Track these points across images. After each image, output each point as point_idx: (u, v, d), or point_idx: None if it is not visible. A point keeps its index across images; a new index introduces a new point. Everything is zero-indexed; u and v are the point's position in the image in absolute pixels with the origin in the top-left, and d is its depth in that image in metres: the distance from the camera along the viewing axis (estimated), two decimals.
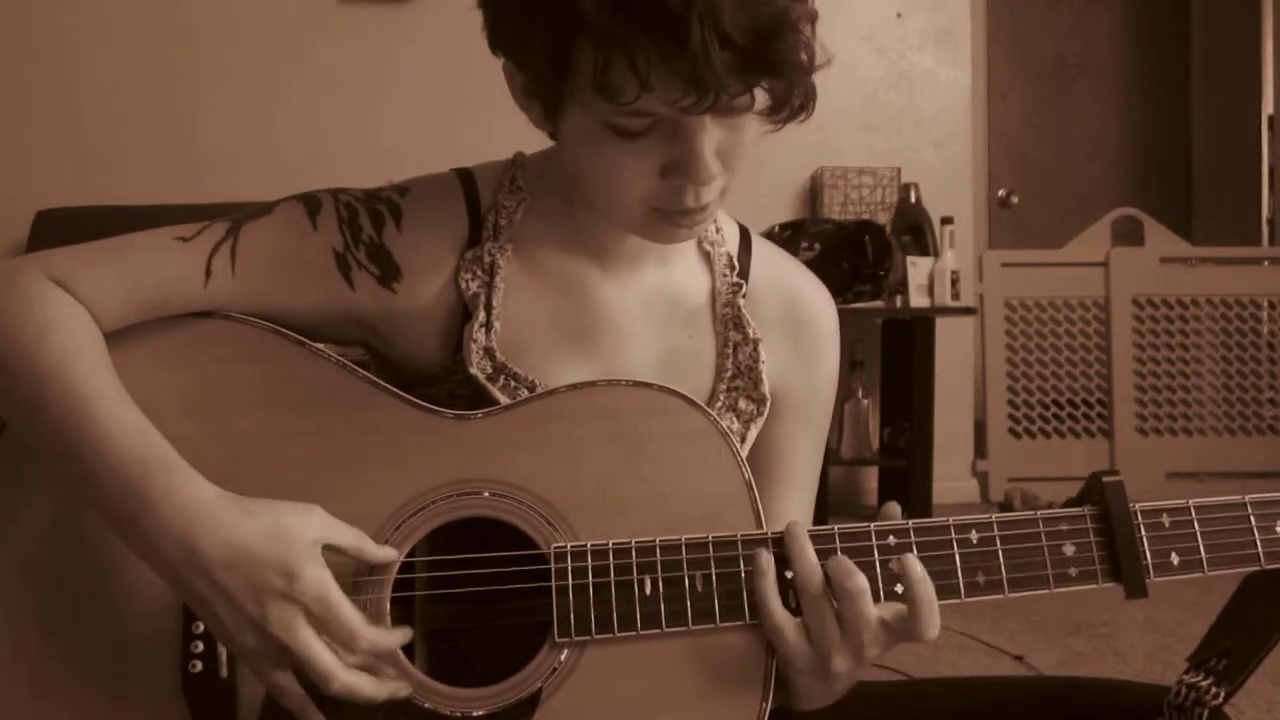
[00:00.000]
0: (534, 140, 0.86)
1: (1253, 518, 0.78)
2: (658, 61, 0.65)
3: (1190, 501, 0.78)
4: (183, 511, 0.70)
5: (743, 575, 0.76)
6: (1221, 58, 4.56)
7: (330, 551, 0.72)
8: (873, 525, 0.77)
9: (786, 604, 0.75)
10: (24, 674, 0.77)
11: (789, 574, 0.75)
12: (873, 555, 0.76)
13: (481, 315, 0.84)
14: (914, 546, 0.76)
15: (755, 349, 0.89)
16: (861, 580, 0.72)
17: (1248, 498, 0.79)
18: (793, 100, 0.72)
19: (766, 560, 0.75)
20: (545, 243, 0.87)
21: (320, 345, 0.83)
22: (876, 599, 0.74)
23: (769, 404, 0.90)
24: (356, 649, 0.71)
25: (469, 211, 0.86)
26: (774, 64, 0.67)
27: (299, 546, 0.70)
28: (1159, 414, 3.89)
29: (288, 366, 0.82)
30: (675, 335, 0.89)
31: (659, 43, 0.65)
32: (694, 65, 0.65)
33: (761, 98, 0.71)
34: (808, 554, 0.74)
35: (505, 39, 0.75)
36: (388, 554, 0.76)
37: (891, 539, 0.76)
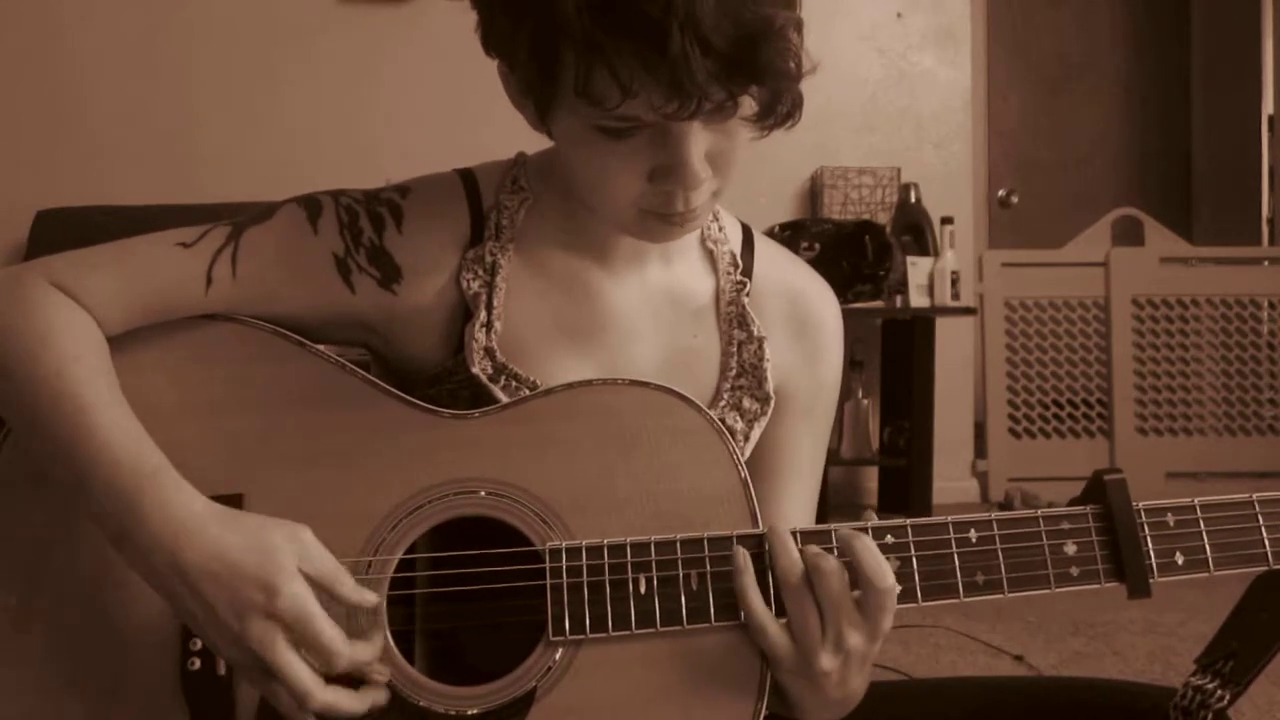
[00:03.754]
0: (534, 140, 0.86)
1: (1260, 516, 0.77)
2: (638, 68, 0.65)
3: (1196, 500, 0.77)
4: (171, 524, 0.70)
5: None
6: (1221, 58, 4.56)
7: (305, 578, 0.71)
8: (870, 524, 0.76)
9: (771, 606, 0.74)
10: (26, 671, 0.77)
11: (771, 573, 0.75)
12: None
13: (482, 315, 0.84)
14: (912, 545, 0.76)
15: (760, 347, 0.89)
16: (834, 561, 0.72)
17: (1255, 496, 0.78)
18: (779, 107, 0.72)
19: (744, 557, 0.74)
20: (547, 242, 0.87)
21: (321, 347, 0.83)
22: None
23: (773, 403, 0.89)
24: (336, 667, 0.70)
25: (470, 211, 0.86)
26: (757, 71, 0.67)
27: (282, 562, 0.69)
28: (1159, 414, 3.89)
29: (288, 368, 0.82)
30: (679, 334, 0.89)
31: (639, 50, 0.64)
32: (674, 72, 0.64)
33: (748, 104, 0.70)
34: (789, 549, 0.74)
35: (496, 42, 0.74)
36: (364, 597, 0.73)
37: (889, 538, 0.76)
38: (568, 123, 0.73)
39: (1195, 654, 0.81)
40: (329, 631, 0.69)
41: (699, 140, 0.72)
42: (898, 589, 0.73)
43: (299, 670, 0.68)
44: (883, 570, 0.71)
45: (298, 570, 0.70)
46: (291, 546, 0.71)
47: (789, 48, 0.68)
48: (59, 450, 0.73)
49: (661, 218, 0.77)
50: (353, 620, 0.74)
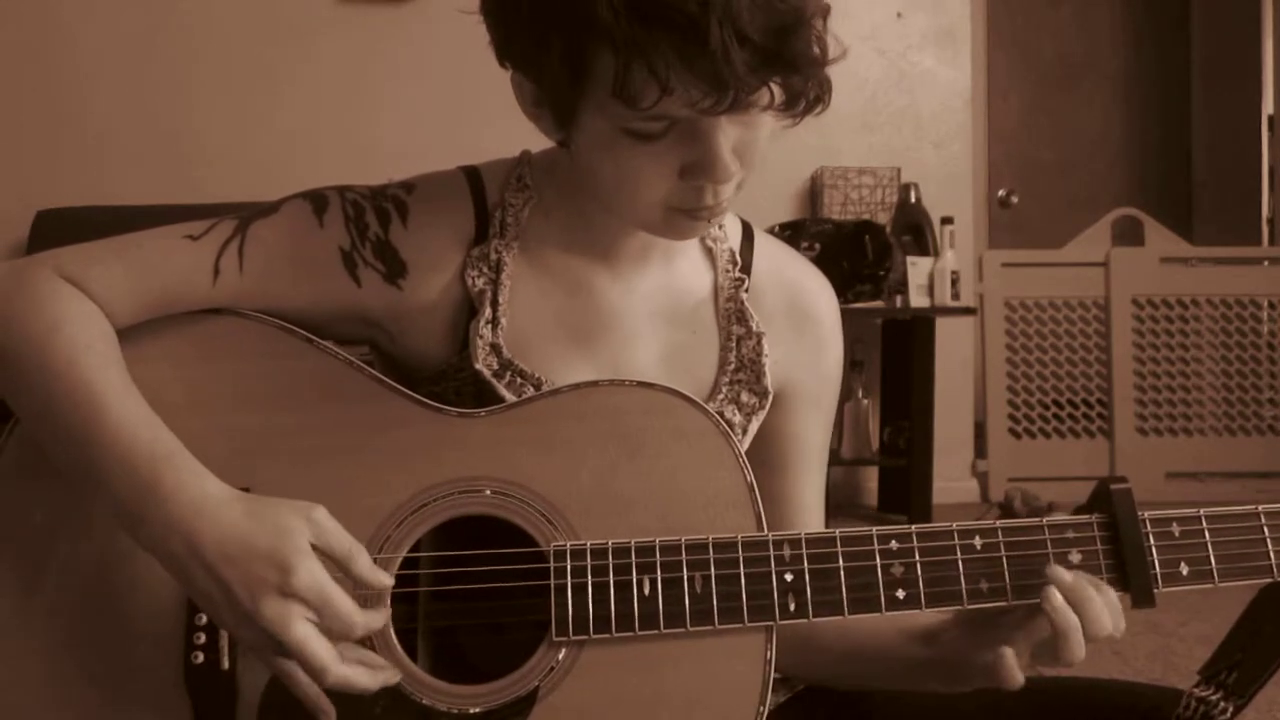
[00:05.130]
0: (534, 139, 0.86)
1: (1266, 528, 0.77)
2: (678, 64, 0.66)
3: (1201, 511, 0.77)
4: (189, 507, 0.71)
5: (742, 577, 0.76)
6: (1221, 58, 4.56)
7: (319, 555, 0.71)
8: (874, 530, 0.76)
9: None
10: (32, 665, 0.77)
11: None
12: (874, 559, 0.76)
13: (488, 312, 0.84)
14: (917, 551, 0.76)
15: (758, 342, 0.90)
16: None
17: (1261, 507, 0.78)
18: (808, 94, 0.73)
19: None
20: (551, 241, 0.88)
21: (328, 343, 0.83)
22: (876, 606, 0.75)
23: (771, 397, 0.90)
24: (354, 636, 0.71)
25: (475, 209, 0.87)
26: (791, 60, 0.68)
27: (296, 542, 0.70)
28: (1159, 414, 3.89)
29: (295, 364, 0.82)
30: (678, 332, 0.90)
31: (679, 46, 0.65)
32: (714, 66, 0.65)
33: (777, 94, 0.71)
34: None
35: (516, 52, 0.75)
36: (379, 578, 0.74)
37: (893, 543, 0.76)
38: (595, 127, 0.74)
39: (1196, 655, 0.82)
40: (345, 604, 0.70)
41: (728, 134, 0.73)
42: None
43: (315, 646, 0.69)
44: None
45: (311, 549, 0.71)
46: (305, 526, 0.71)
47: (816, 34, 0.69)
48: (72, 438, 0.74)
49: (689, 214, 0.78)
50: (359, 592, 0.75)
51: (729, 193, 0.77)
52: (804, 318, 0.94)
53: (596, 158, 0.77)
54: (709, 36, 0.64)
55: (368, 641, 0.75)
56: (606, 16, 0.65)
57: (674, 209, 0.77)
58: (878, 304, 3.28)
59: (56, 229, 2.99)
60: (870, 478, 3.73)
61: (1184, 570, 0.76)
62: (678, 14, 0.64)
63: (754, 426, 0.91)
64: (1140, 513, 0.77)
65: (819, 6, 0.69)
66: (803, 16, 0.67)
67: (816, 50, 0.70)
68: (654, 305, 0.90)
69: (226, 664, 0.76)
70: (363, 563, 0.73)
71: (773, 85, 0.70)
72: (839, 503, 3.65)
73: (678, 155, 0.74)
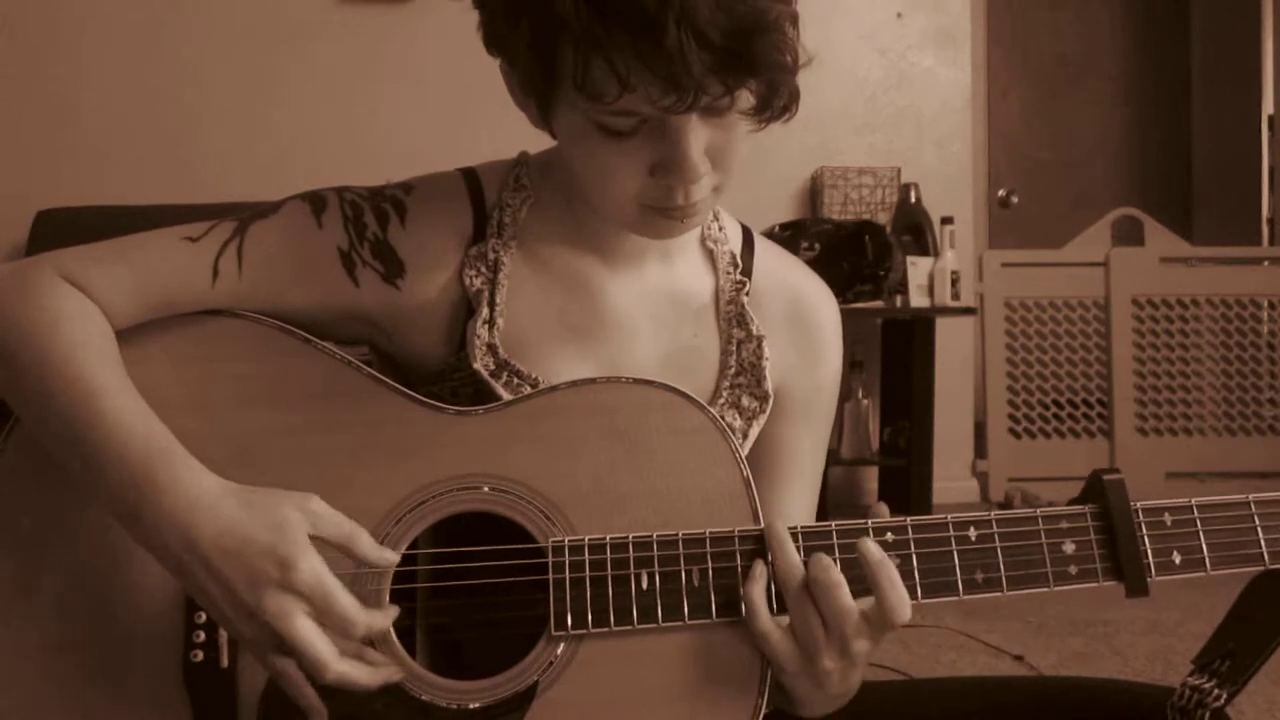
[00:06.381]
0: (534, 140, 0.87)
1: (1257, 517, 0.78)
2: (635, 62, 0.66)
3: (1193, 500, 0.78)
4: (184, 501, 0.71)
5: (739, 572, 0.76)
6: (1221, 58, 4.56)
7: (319, 543, 0.72)
8: (870, 522, 0.77)
9: (771, 607, 0.75)
10: (33, 663, 0.77)
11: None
12: None
13: (485, 311, 0.84)
14: (912, 543, 0.76)
15: (759, 346, 0.90)
16: (837, 574, 0.73)
17: (1251, 497, 0.78)
18: (776, 100, 0.73)
19: (760, 569, 0.75)
20: (549, 240, 0.88)
21: (327, 343, 0.83)
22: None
23: (771, 401, 0.90)
24: (354, 635, 0.71)
25: (473, 209, 0.87)
26: (753, 64, 0.67)
27: (296, 535, 0.70)
28: (1159, 414, 3.89)
29: (293, 363, 0.82)
30: (679, 333, 0.90)
31: (636, 43, 0.65)
32: (671, 65, 0.65)
33: (745, 97, 0.71)
34: (788, 551, 0.75)
35: (497, 40, 0.76)
36: (383, 555, 0.74)
37: (889, 535, 0.76)
38: (569, 119, 0.74)
39: (1195, 653, 0.82)
40: (346, 601, 0.70)
41: (698, 134, 0.73)
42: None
43: (315, 642, 0.69)
44: (904, 607, 0.72)
45: (310, 543, 0.71)
46: (303, 517, 0.71)
47: (784, 40, 0.69)
48: (70, 435, 0.74)
49: (662, 212, 0.78)
50: (358, 590, 0.75)
51: (701, 194, 0.77)
52: (805, 324, 0.94)
53: (573, 151, 0.77)
54: (666, 36, 0.64)
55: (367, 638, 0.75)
56: (567, 9, 0.66)
57: (647, 207, 0.77)
58: (878, 304, 3.29)
59: (56, 229, 2.99)
60: (870, 478, 3.73)
61: (1177, 559, 0.77)
62: (635, 11, 0.64)
63: (754, 431, 0.91)
64: (1133, 503, 0.77)
65: (787, 12, 0.69)
66: (766, 20, 0.66)
67: (786, 57, 0.69)
68: (654, 305, 0.90)
69: (226, 662, 0.76)
70: (364, 542, 0.73)
71: (746, 88, 0.70)
72: (839, 503, 3.66)
73: (648, 152, 0.74)
